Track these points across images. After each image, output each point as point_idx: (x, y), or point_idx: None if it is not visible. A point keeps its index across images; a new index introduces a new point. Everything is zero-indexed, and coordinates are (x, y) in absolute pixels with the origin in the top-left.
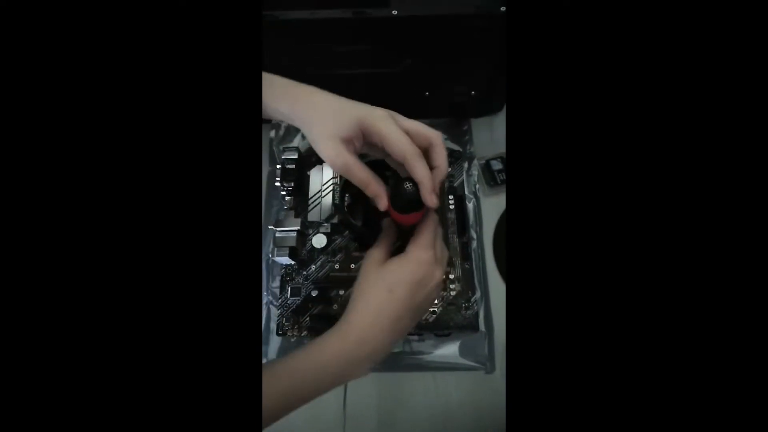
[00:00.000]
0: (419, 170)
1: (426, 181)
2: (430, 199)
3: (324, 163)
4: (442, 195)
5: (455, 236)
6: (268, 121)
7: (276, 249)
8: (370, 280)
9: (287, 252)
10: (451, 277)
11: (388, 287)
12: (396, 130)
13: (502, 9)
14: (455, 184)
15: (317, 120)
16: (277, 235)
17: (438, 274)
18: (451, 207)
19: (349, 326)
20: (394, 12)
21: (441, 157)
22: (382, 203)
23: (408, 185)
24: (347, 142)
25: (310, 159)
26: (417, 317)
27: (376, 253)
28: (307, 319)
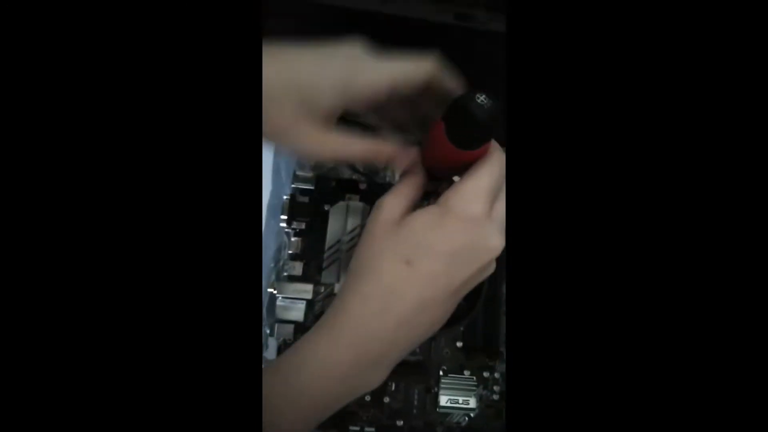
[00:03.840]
0: None
1: None
2: None
3: (349, 200)
4: None
5: None
6: None
7: (277, 324)
8: (379, 245)
9: (292, 329)
10: None
11: (405, 257)
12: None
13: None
14: None
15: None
16: (279, 303)
17: (495, 242)
18: None
19: (342, 321)
20: None
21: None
22: (401, 160)
23: (481, 98)
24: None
25: (329, 185)
26: (452, 306)
27: (389, 205)
28: None
